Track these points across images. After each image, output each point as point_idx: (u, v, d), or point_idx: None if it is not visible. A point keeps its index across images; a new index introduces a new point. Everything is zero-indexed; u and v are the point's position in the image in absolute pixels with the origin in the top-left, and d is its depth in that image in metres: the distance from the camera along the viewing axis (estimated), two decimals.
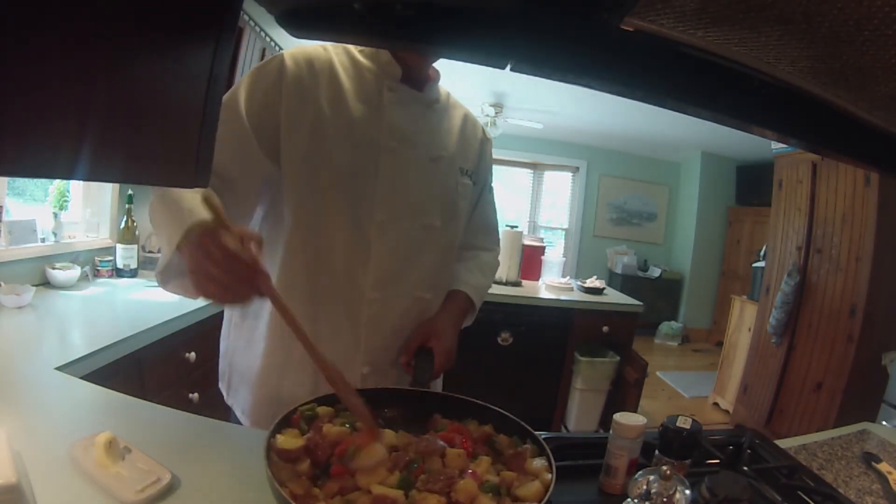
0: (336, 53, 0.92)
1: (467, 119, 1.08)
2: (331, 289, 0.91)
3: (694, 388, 4.19)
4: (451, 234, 1.03)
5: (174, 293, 0.80)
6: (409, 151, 0.93)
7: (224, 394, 1.05)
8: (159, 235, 0.78)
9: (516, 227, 2.97)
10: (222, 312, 1.07)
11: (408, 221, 0.94)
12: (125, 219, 2.13)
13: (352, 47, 0.94)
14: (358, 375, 0.94)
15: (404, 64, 0.93)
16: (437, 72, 1.00)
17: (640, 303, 2.90)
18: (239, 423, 0.99)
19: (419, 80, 0.96)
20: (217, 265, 0.63)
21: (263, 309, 0.93)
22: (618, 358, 2.79)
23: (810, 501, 0.83)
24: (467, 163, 1.05)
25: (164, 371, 1.58)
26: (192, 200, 0.71)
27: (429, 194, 0.97)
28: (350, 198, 0.89)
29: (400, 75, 0.93)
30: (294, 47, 0.90)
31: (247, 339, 0.97)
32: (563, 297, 2.79)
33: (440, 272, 1.02)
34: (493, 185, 1.19)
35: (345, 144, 0.88)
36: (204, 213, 0.67)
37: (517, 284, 2.90)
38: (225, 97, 0.82)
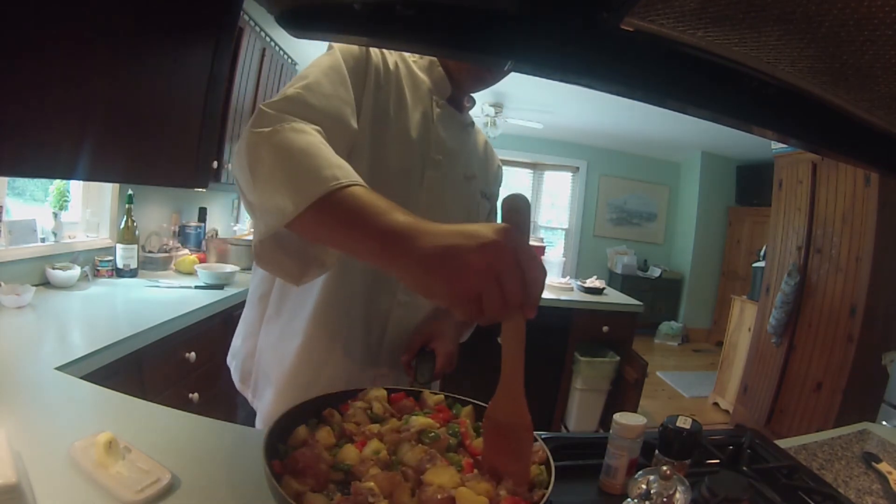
0: (394, 61, 0.93)
1: (487, 145, 1.13)
2: (369, 287, 0.92)
3: (694, 388, 4.19)
4: None
5: (270, 272, 0.70)
6: (450, 167, 0.97)
7: (249, 396, 1.01)
8: (269, 188, 0.60)
9: None
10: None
11: None
12: (125, 219, 2.14)
13: (408, 57, 0.95)
14: (378, 375, 0.96)
15: (454, 84, 0.95)
16: (472, 99, 1.05)
17: (640, 303, 2.90)
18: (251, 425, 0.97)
19: (460, 103, 1.00)
20: (517, 280, 0.49)
21: (304, 303, 0.90)
22: (618, 358, 2.79)
23: (810, 501, 0.83)
24: (487, 186, 1.11)
25: (164, 371, 1.58)
26: (337, 158, 0.60)
27: (460, 209, 1.01)
28: (396, 202, 0.89)
29: (449, 93, 0.96)
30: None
31: (279, 335, 0.94)
32: (563, 297, 2.79)
33: None
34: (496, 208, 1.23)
35: (400, 150, 0.90)
36: (357, 177, 0.57)
37: None
38: (324, 60, 0.80)
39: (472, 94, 1.03)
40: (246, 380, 1.02)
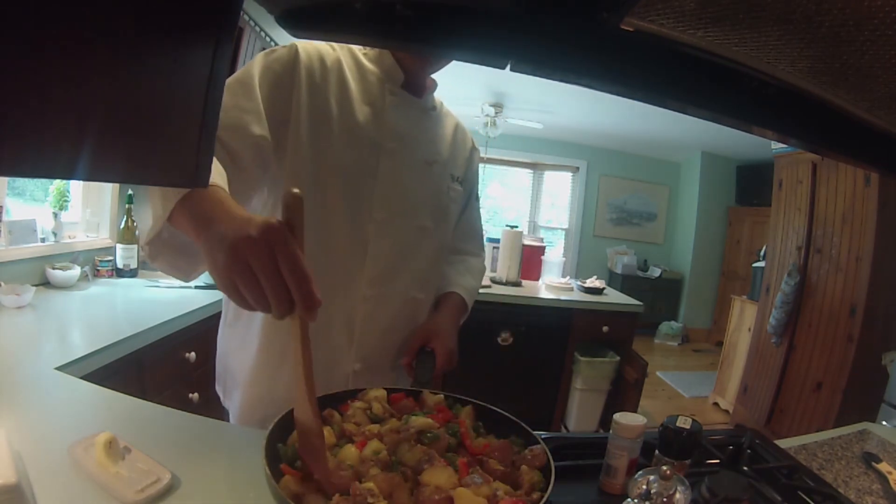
0: (342, 54, 0.94)
1: (458, 128, 1.11)
2: (327, 285, 0.90)
3: (694, 388, 4.19)
4: (442, 236, 1.05)
5: (162, 270, 0.74)
6: (406, 154, 0.95)
7: (220, 396, 1.05)
8: (152, 198, 0.67)
9: (516, 227, 2.96)
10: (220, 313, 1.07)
11: (403, 221, 0.96)
12: (125, 219, 2.14)
13: (356, 50, 0.96)
14: (350, 371, 0.95)
15: (406, 70, 0.95)
16: (434, 81, 1.03)
17: (640, 303, 2.90)
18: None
19: (418, 87, 0.99)
20: (273, 274, 0.51)
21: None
22: (618, 358, 2.79)
23: (810, 501, 0.83)
24: (458, 170, 1.09)
25: (164, 371, 1.58)
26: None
27: (423, 196, 0.99)
28: (349, 196, 0.90)
29: (402, 81, 0.95)
30: (304, 41, 0.91)
31: (241, 339, 0.97)
32: (563, 297, 2.79)
33: (431, 273, 1.05)
34: (478, 194, 1.22)
35: (348, 143, 0.90)
36: (215, 178, 0.62)
37: (517, 284, 2.90)
38: (236, 75, 0.84)
39: (433, 77, 1.02)
40: (219, 380, 1.05)
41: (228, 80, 0.82)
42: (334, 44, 0.94)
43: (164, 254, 0.71)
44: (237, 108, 0.81)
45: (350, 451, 0.64)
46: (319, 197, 0.88)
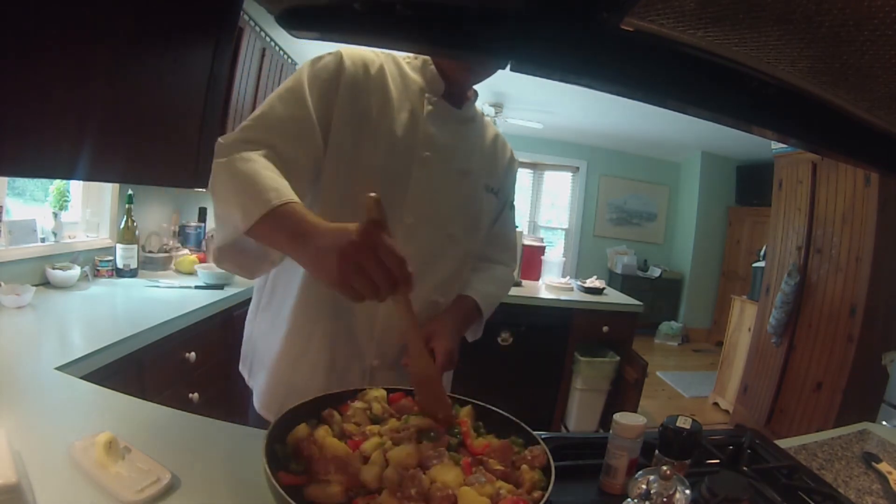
0: (386, 62, 0.96)
1: (497, 139, 1.13)
2: None
3: (694, 388, 4.19)
4: (471, 244, 1.07)
5: (229, 271, 0.84)
6: (440, 163, 0.97)
7: (245, 376, 1.08)
8: (225, 208, 0.77)
9: (516, 227, 2.95)
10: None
11: (433, 228, 0.97)
12: (125, 219, 2.14)
13: (400, 58, 0.99)
14: (368, 367, 0.97)
15: (448, 80, 0.97)
16: (475, 92, 1.05)
17: (640, 303, 2.90)
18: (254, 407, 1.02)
19: (459, 98, 1.01)
20: (379, 267, 0.61)
21: (288, 296, 0.96)
22: (618, 358, 2.79)
23: (810, 501, 0.83)
24: (494, 181, 1.10)
25: (164, 371, 1.58)
26: (274, 180, 0.73)
27: (454, 205, 1.01)
28: (382, 198, 0.91)
29: (443, 90, 0.97)
30: (349, 48, 0.94)
31: (271, 322, 1.00)
32: (563, 297, 2.79)
33: (455, 279, 1.06)
34: (514, 204, 1.23)
35: (384, 150, 0.92)
36: (292, 195, 0.71)
37: (517, 284, 2.90)
38: (287, 84, 0.89)
39: (475, 88, 1.04)
40: (245, 360, 1.09)
41: (279, 90, 0.89)
42: (379, 51, 0.97)
43: (233, 257, 0.81)
44: (292, 118, 0.86)
45: (372, 442, 0.66)
46: (352, 199, 0.90)
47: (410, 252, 0.93)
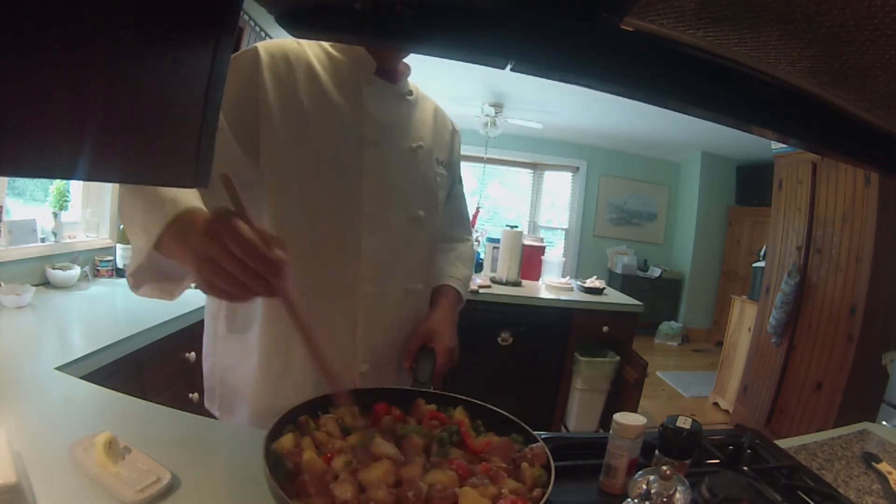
0: (309, 46, 0.90)
1: (438, 111, 1.09)
2: (324, 287, 0.89)
3: (694, 388, 4.19)
4: (435, 224, 1.04)
5: (148, 297, 0.77)
6: (390, 143, 0.93)
7: (216, 414, 1.00)
8: (132, 230, 0.71)
9: (516, 227, 2.96)
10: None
11: (395, 213, 0.94)
12: None
13: (325, 44, 0.93)
14: (357, 374, 0.93)
15: (377, 57, 0.92)
16: (407, 66, 1.00)
17: (640, 303, 2.90)
18: None
19: (392, 74, 0.96)
20: (232, 259, 0.55)
21: (253, 319, 0.91)
22: (618, 358, 2.79)
23: (810, 501, 0.83)
24: (442, 154, 1.06)
25: (164, 371, 1.58)
26: (172, 191, 0.67)
27: (412, 185, 0.97)
28: (336, 192, 0.88)
29: (374, 68, 0.92)
30: (266, 40, 0.89)
31: (237, 353, 0.94)
32: (563, 297, 2.79)
33: (428, 263, 1.04)
34: (461, 177, 1.20)
35: (329, 139, 0.87)
36: (192, 201, 0.65)
37: (517, 284, 2.90)
38: None
39: (406, 62, 0.99)
40: (210, 397, 1.02)
41: None
42: (300, 39, 0.91)
43: (151, 280, 0.74)
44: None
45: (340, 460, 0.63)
46: (303, 197, 0.86)
47: (379, 243, 0.91)
